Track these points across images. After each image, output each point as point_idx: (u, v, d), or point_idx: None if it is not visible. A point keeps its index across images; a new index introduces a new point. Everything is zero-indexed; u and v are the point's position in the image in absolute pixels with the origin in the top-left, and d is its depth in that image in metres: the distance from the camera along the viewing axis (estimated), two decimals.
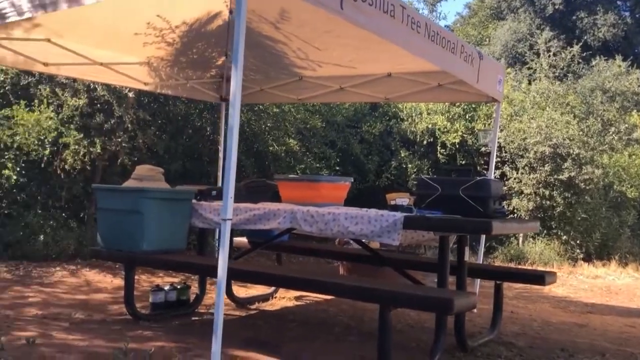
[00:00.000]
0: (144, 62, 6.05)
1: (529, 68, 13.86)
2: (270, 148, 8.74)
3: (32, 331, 3.92)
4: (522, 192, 10.28)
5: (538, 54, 13.13)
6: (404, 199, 3.99)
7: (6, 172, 6.62)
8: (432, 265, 4.53)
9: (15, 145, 6.68)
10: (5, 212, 6.80)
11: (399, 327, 4.78)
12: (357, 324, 4.90)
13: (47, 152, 6.74)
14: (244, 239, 5.55)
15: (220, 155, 7.09)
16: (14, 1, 3.80)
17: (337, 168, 9.52)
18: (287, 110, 9.07)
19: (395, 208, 3.85)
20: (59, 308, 4.73)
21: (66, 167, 6.81)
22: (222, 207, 2.79)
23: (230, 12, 5.61)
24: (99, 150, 6.89)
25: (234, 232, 5.17)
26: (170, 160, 7.78)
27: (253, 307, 5.31)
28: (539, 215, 10.15)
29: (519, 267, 8.78)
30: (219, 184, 7.07)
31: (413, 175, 9.86)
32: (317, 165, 9.17)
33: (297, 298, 5.79)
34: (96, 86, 6.85)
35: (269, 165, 8.78)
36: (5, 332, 3.74)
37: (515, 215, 10.20)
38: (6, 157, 6.70)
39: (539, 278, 4.48)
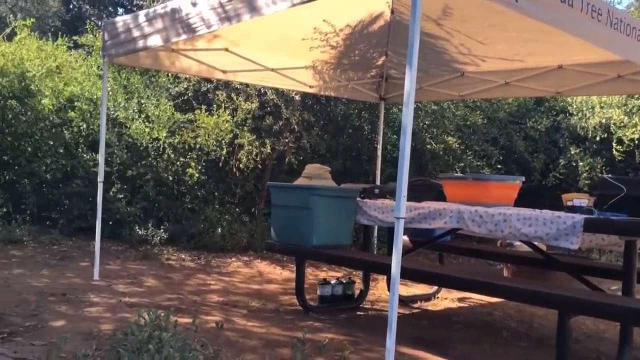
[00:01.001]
0: (310, 66, 6.34)
1: None
2: (428, 146, 8.65)
3: (216, 316, 4.31)
4: None
5: None
6: (582, 200, 3.73)
7: (190, 170, 7.35)
8: (613, 271, 4.19)
9: (197, 146, 7.40)
10: (189, 206, 7.54)
11: (573, 335, 4.48)
12: (526, 329, 4.69)
13: (224, 152, 7.36)
14: (404, 238, 5.58)
15: (379, 153, 7.20)
16: (203, 16, 4.21)
17: (499, 166, 9.15)
18: (446, 107, 8.91)
19: (573, 209, 3.63)
20: (237, 296, 5.14)
21: (240, 166, 7.38)
22: (395, 206, 2.84)
23: (392, 12, 5.69)
24: (268, 150, 7.36)
25: None
26: (331, 159, 8.06)
27: (415, 305, 5.32)
28: None
29: None
30: (378, 182, 7.18)
31: (584, 174, 9.13)
32: (478, 163, 8.89)
33: (460, 299, 5.68)
34: (266, 90, 7.32)
35: (426, 164, 8.71)
36: (195, 315, 4.15)
37: None
38: (189, 157, 7.44)
39: None
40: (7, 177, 7.46)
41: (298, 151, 7.86)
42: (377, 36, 6.03)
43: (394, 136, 8.78)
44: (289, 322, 4.33)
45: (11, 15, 9.71)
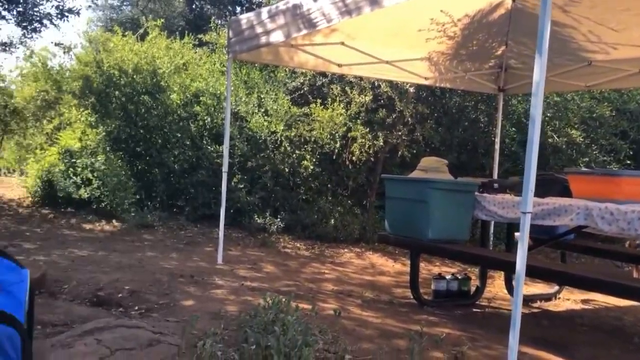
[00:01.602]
0: (425, 58, 6.26)
1: None
2: (550, 140, 8.24)
3: (332, 304, 4.42)
4: None
5: None
6: None
7: (304, 162, 7.57)
8: None
9: (312, 139, 7.59)
10: (303, 197, 7.77)
11: None
12: None
13: (337, 145, 7.50)
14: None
15: (496, 147, 6.97)
16: (323, 10, 4.30)
17: (629, 162, 8.50)
18: (570, 99, 8.43)
19: None
20: (350, 286, 5.24)
21: (353, 158, 7.49)
22: (521, 200, 2.76)
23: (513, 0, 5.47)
24: (381, 143, 7.39)
25: (516, 227, 5.05)
26: (445, 153, 7.92)
27: (535, 305, 5.11)
28: None
29: None
30: (495, 176, 6.96)
31: None
32: (604, 158, 8.33)
33: (584, 301, 5.37)
34: (380, 83, 7.34)
35: (547, 158, 8.30)
36: (312, 302, 4.29)
37: None
38: (304, 149, 7.65)
39: None
40: (140, 167, 8.10)
41: (411, 144, 7.81)
42: (497, 25, 5.83)
43: (513, 129, 8.45)
44: (403, 315, 4.34)
45: (143, 17, 10.50)
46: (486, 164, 7.92)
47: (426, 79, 6.51)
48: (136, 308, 3.94)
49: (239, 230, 7.41)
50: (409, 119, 7.46)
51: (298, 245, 7.03)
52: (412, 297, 4.78)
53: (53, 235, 6.50)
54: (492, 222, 6.14)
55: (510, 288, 5.12)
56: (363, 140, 7.38)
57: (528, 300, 5.19)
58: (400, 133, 7.55)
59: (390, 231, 4.82)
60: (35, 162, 8.67)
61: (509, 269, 4.56)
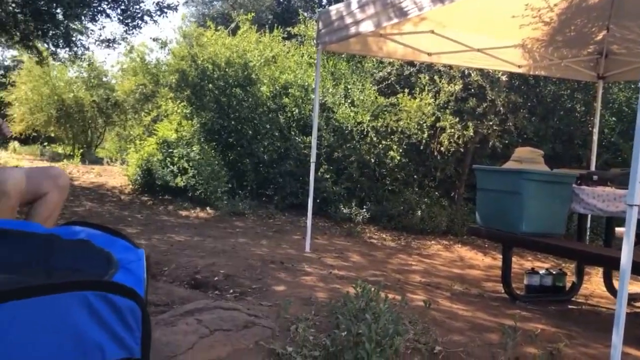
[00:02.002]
0: (519, 45, 6.05)
1: None
2: None
3: (420, 295, 4.40)
4: None
5: None
6: None
7: (391, 153, 7.54)
8: None
9: (399, 130, 7.54)
10: (389, 188, 7.76)
11: None
12: None
13: (425, 135, 7.40)
14: (622, 230, 5.07)
15: (594, 138, 6.63)
16: None
17: None
18: None
19: None
20: (438, 278, 5.18)
21: (441, 149, 7.37)
22: (628, 192, 2.62)
23: None
24: (471, 133, 7.23)
25: (616, 222, 4.80)
26: (539, 143, 7.64)
27: (638, 305, 4.84)
28: None
29: None
30: (593, 168, 6.62)
31: None
32: None
33: None
34: (470, 72, 7.16)
35: None
36: (400, 292, 4.28)
37: None
38: (390, 140, 7.62)
39: None
40: (232, 157, 8.39)
41: (503, 134, 7.58)
42: (597, 9, 5.52)
43: (612, 119, 7.99)
44: (495, 309, 4.24)
45: (234, 12, 10.83)
46: (583, 155, 7.56)
47: (519, 66, 6.29)
48: (231, 291, 4.10)
49: (325, 220, 7.51)
50: (501, 108, 7.23)
51: (384, 236, 7.03)
52: (503, 291, 4.66)
53: (152, 221, 6.88)
54: (589, 216, 5.87)
55: (609, 285, 4.88)
56: (452, 130, 7.25)
57: (631, 299, 4.90)
58: (491, 123, 7.34)
59: (482, 223, 4.72)
60: (135, 152, 9.18)
61: (610, 265, 4.35)
